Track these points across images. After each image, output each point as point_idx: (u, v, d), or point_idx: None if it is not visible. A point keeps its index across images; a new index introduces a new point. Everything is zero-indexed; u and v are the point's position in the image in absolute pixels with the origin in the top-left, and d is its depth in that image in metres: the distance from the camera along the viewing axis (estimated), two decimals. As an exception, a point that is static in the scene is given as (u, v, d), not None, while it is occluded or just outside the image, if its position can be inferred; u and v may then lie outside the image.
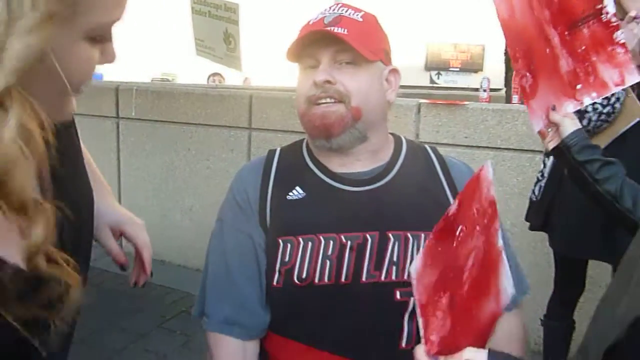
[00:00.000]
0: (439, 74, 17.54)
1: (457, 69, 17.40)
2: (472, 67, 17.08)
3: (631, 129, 2.02)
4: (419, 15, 16.51)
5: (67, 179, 0.75)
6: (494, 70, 5.04)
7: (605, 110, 2.03)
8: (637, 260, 0.87)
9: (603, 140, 2.08)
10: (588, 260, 2.33)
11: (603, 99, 1.96)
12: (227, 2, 3.93)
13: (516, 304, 1.22)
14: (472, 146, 3.10)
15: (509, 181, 3.00)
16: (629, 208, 1.42)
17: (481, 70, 16.40)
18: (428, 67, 17.56)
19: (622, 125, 2.05)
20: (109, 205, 1.11)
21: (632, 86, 2.00)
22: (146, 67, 14.81)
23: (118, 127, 4.36)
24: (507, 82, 4.31)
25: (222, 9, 3.97)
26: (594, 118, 2.04)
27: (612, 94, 1.96)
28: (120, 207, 1.13)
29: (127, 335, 3.08)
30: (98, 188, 1.00)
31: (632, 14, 1.94)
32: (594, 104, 2.02)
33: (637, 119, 2.00)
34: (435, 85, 17.06)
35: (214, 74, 7.62)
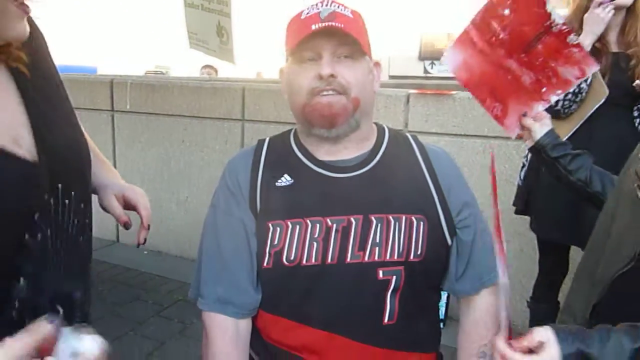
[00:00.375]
0: (432, 63, 17.58)
1: (451, 59, 17.42)
2: (465, 56, 17.11)
3: (601, 112, 2.12)
4: (413, 5, 16.53)
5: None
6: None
7: (571, 90, 2.13)
8: (607, 229, 0.95)
9: (575, 121, 2.19)
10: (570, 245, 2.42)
11: None
12: (219, -5, 3.97)
13: (494, 282, 1.29)
14: (460, 135, 3.17)
15: (497, 168, 3.07)
16: (599, 191, 1.62)
17: (474, 59, 16.47)
18: (422, 57, 17.59)
19: (590, 106, 2.16)
20: (113, 178, 1.26)
21: (602, 69, 2.12)
22: (139, 59, 14.79)
23: (113, 120, 4.41)
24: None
25: (215, 2, 4.00)
26: (562, 97, 2.14)
27: None
28: (123, 181, 1.28)
29: (126, 323, 3.15)
30: (104, 167, 1.22)
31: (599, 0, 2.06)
32: None
33: (603, 99, 2.11)
34: (429, 75, 17.11)
35: (206, 66, 7.61)
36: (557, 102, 2.14)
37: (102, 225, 4.60)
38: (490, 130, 3.08)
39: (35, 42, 0.95)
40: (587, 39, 2.13)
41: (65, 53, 15.11)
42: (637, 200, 0.85)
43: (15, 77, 0.87)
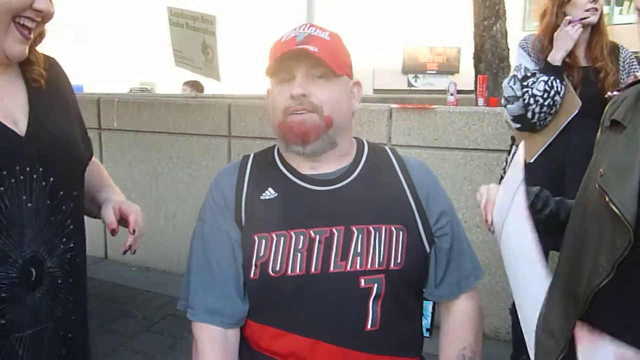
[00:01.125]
0: (416, 77, 17.76)
1: (434, 72, 17.62)
2: (448, 69, 17.32)
3: (574, 123, 2.24)
4: (395, 19, 16.70)
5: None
6: (470, 72, 5.19)
7: (546, 103, 2.25)
8: (576, 249, 0.98)
9: (550, 133, 2.31)
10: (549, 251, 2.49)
11: (544, 92, 2.20)
12: (204, 14, 4.04)
13: (472, 287, 1.36)
14: (442, 147, 3.24)
15: (478, 179, 3.15)
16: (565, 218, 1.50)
17: (457, 72, 16.64)
18: (405, 71, 17.78)
19: (564, 118, 2.27)
20: (116, 196, 1.39)
21: (573, 82, 2.24)
22: (124, 77, 14.78)
23: (100, 138, 4.44)
24: (475, 84, 4.48)
25: (199, 21, 4.07)
26: (537, 110, 2.27)
27: (552, 88, 2.21)
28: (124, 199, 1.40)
29: (116, 338, 3.17)
30: (110, 188, 1.39)
31: (568, 18, 2.19)
32: (535, 96, 2.25)
33: (576, 110, 2.23)
34: (413, 88, 17.26)
35: (187, 82, 7.54)
36: (532, 114, 2.26)
37: (90, 242, 4.60)
38: (471, 142, 3.16)
39: (55, 70, 1.24)
40: (557, 55, 2.26)
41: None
42: (606, 214, 0.87)
43: (29, 86, 1.14)
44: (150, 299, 3.78)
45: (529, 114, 2.31)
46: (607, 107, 1.11)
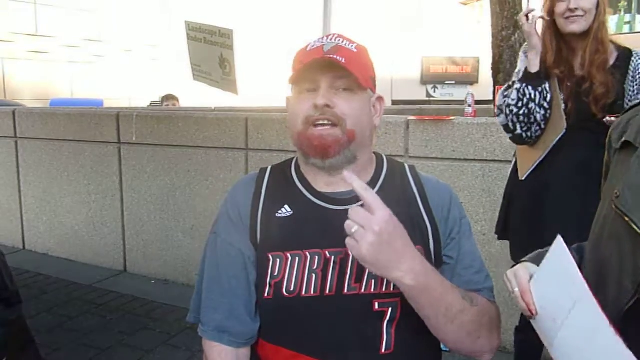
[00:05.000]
0: (435, 87, 17.71)
1: (453, 82, 17.56)
2: (467, 79, 17.24)
3: (566, 138, 2.17)
4: (414, 29, 16.71)
5: None
6: (490, 82, 5.16)
7: (521, 112, 2.21)
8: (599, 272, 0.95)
9: (540, 151, 2.24)
10: None
11: (517, 100, 2.19)
12: (221, 29, 4.07)
13: (486, 296, 1.28)
14: (460, 159, 3.22)
15: (496, 191, 3.11)
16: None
17: (477, 82, 16.57)
18: (424, 81, 17.73)
19: (552, 137, 2.20)
20: None
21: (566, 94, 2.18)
22: (144, 91, 15.04)
23: (120, 152, 4.50)
24: (493, 95, 4.44)
25: (217, 35, 4.10)
26: (515, 120, 2.22)
27: (525, 96, 2.18)
28: None
29: (134, 352, 3.18)
30: None
31: (523, 13, 2.24)
32: (509, 106, 2.22)
33: (562, 132, 2.16)
34: (432, 98, 17.22)
35: (167, 97, 7.53)
36: (513, 125, 2.22)
37: (109, 255, 4.66)
38: (490, 154, 3.13)
39: None
40: (531, 58, 2.21)
41: (74, 87, 15.40)
42: (626, 235, 0.86)
43: None
44: (168, 312, 3.79)
45: (510, 125, 2.24)
46: (610, 131, 1.08)
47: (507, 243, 2.50)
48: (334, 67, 1.19)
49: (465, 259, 1.29)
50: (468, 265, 1.29)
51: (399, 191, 1.30)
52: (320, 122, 1.19)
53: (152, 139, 4.35)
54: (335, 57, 1.19)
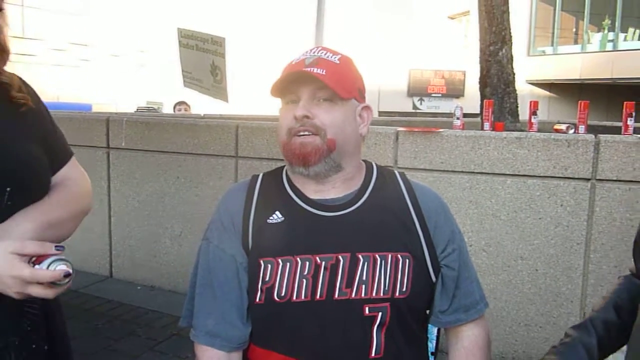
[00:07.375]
0: (421, 99, 17.86)
1: (439, 95, 17.72)
2: (453, 92, 17.42)
3: None
4: (401, 41, 16.85)
5: None
6: (475, 95, 5.22)
7: None
8: None
9: None
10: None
11: None
12: (213, 36, 4.10)
13: (480, 314, 1.36)
14: (448, 171, 3.26)
15: (483, 203, 3.16)
16: None
17: (462, 95, 16.76)
18: (411, 93, 17.88)
19: None
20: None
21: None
22: (131, 96, 14.97)
23: (109, 157, 4.49)
24: (481, 108, 4.51)
25: (209, 42, 4.13)
26: None
27: None
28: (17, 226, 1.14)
29: (121, 358, 3.17)
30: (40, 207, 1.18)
31: None
32: None
33: None
34: (418, 110, 17.35)
35: (180, 103, 7.64)
36: None
37: (95, 261, 4.63)
38: (477, 166, 3.18)
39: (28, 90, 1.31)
40: None
41: (60, 91, 15.30)
42: None
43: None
44: (154, 318, 3.78)
45: None
46: None
47: (488, 253, 2.50)
48: (313, 79, 1.23)
49: (466, 271, 1.35)
50: (467, 277, 1.34)
51: (390, 197, 1.33)
52: (301, 133, 1.24)
53: (142, 144, 4.35)
54: (314, 69, 1.23)
